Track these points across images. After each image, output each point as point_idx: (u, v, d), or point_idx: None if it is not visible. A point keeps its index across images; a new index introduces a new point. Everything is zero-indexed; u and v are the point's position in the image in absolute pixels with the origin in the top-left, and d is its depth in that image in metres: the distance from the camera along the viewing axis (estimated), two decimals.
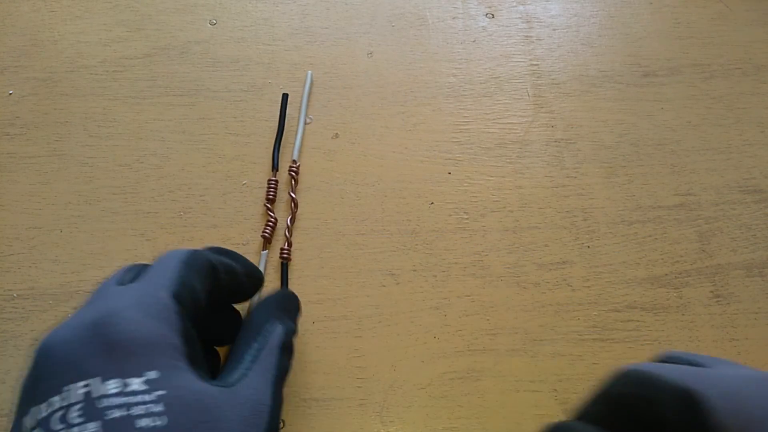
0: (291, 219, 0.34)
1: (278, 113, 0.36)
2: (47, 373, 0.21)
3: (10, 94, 0.37)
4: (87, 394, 0.20)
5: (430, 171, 0.36)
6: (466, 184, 0.35)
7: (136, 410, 0.20)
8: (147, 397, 0.20)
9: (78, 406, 0.20)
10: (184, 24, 0.40)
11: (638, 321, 0.32)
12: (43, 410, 0.20)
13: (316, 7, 0.40)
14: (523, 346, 0.32)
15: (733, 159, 0.37)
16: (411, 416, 0.30)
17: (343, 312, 0.32)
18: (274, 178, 0.35)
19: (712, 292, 0.33)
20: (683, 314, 0.33)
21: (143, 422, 0.19)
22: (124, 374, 0.20)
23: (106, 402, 0.20)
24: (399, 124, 0.37)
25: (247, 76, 0.38)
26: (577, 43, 0.40)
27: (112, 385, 0.20)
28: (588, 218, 0.35)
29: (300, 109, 0.37)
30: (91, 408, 0.20)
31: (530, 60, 0.39)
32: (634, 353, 0.32)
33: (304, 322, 0.32)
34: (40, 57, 0.38)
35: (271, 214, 0.34)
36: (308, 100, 0.37)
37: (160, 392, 0.20)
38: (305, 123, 0.37)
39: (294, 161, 0.35)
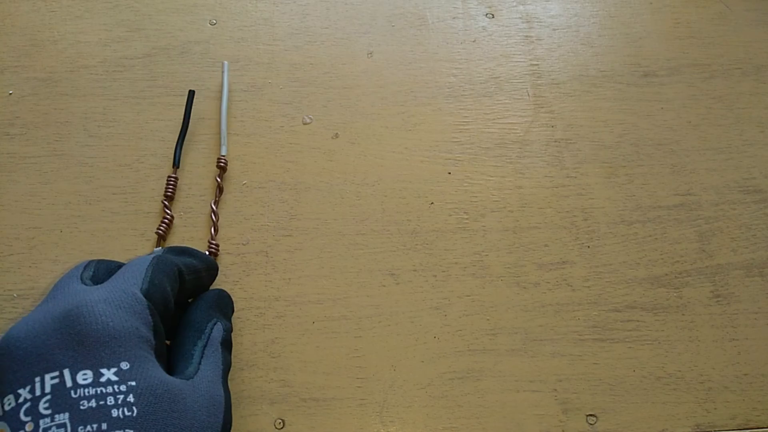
0: (215, 202, 0.34)
1: (277, 113, 0.36)
2: (13, 365, 0.21)
3: (10, 94, 0.37)
4: (57, 385, 0.20)
5: (430, 171, 0.36)
6: (466, 184, 0.35)
7: (109, 400, 0.20)
8: (119, 388, 0.20)
9: (46, 398, 0.20)
10: (184, 24, 0.40)
11: (638, 321, 0.32)
12: (7, 403, 0.20)
13: (316, 7, 0.40)
14: (523, 346, 0.32)
15: (733, 159, 0.37)
16: (411, 416, 0.30)
17: (343, 312, 0.32)
18: (173, 175, 0.34)
19: (712, 292, 0.33)
20: (683, 314, 0.33)
21: (116, 412, 0.20)
22: (97, 365, 0.21)
23: (79, 392, 0.20)
24: (399, 124, 0.37)
25: (247, 76, 0.38)
26: (577, 43, 0.40)
27: (85, 376, 0.20)
28: (588, 218, 0.35)
29: (221, 101, 0.36)
30: (62, 399, 0.20)
31: (530, 60, 0.39)
32: (634, 353, 0.32)
33: (303, 322, 0.32)
34: (40, 57, 0.38)
35: (168, 211, 0.33)
36: (228, 93, 0.36)
37: (131, 383, 0.20)
38: (306, 122, 0.37)
39: (222, 156, 0.35)
